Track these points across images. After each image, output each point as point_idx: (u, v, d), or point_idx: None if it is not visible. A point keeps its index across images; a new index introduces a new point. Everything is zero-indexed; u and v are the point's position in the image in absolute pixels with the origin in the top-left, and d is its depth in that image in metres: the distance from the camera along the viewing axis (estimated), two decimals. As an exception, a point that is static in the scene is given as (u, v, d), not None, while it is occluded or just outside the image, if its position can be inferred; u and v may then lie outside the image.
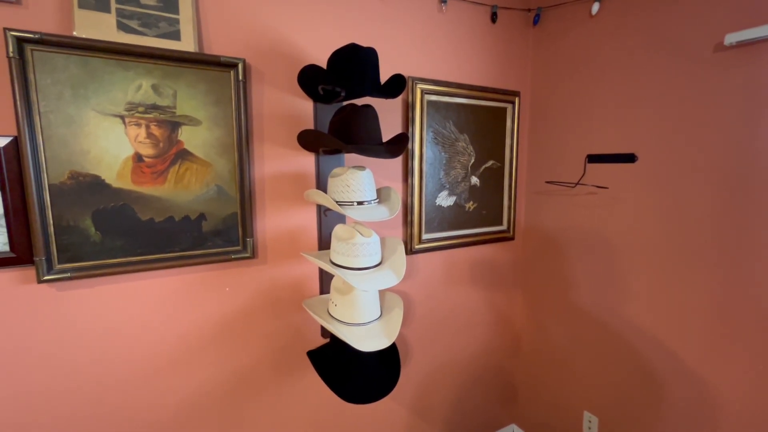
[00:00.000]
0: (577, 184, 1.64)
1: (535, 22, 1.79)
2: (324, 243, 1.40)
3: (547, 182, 1.80)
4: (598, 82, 1.57)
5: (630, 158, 1.46)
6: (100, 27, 1.00)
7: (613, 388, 1.63)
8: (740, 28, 1.16)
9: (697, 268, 1.32)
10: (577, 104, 1.66)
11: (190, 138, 1.14)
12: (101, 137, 1.04)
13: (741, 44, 1.16)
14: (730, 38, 1.15)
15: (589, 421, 1.73)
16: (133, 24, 1.04)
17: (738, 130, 1.19)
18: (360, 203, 1.17)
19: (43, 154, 0.98)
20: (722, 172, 1.24)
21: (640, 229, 1.47)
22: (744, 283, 1.22)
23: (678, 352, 1.40)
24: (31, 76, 0.95)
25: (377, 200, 1.24)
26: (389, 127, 1.50)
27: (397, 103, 1.51)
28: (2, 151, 0.95)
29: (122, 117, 1.05)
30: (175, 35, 1.09)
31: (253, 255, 1.27)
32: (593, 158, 1.58)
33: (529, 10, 1.79)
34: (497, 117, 1.77)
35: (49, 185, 1.00)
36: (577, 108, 1.66)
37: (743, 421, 1.25)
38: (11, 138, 0.96)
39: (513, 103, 1.80)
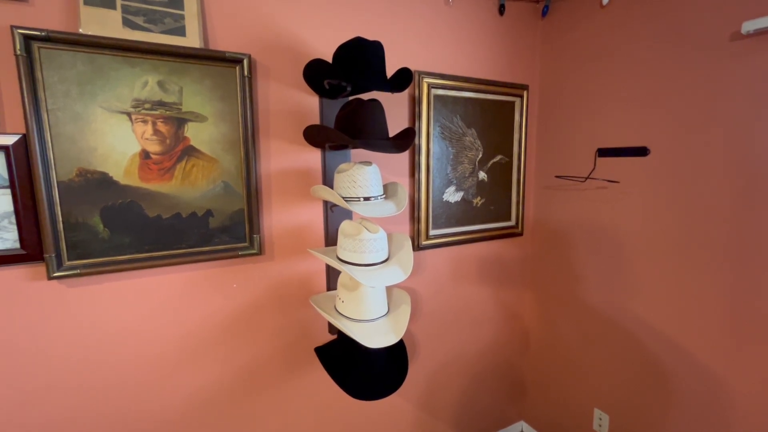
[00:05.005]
0: (587, 178, 1.62)
1: (544, 13, 1.76)
2: (331, 239, 1.39)
3: (557, 177, 1.77)
4: (608, 74, 1.54)
5: (642, 152, 1.42)
6: (106, 24, 1.00)
7: (624, 385, 1.60)
8: (758, 15, 1.12)
9: (710, 264, 1.29)
10: (586, 97, 1.63)
11: (196, 134, 1.14)
12: (108, 134, 1.04)
13: (759, 32, 1.12)
14: (748, 26, 1.12)
15: (600, 419, 1.71)
16: (139, 20, 1.04)
17: (755, 122, 1.16)
18: (366, 199, 1.16)
19: (51, 152, 0.99)
20: (738, 166, 1.20)
21: (653, 223, 1.44)
22: (758, 279, 1.18)
23: (690, 349, 1.37)
24: (38, 73, 0.96)
25: (384, 196, 1.23)
26: (396, 122, 1.48)
27: (403, 97, 1.49)
28: (11, 149, 0.96)
29: (129, 114, 1.06)
30: (181, 31, 1.09)
31: (260, 251, 1.27)
32: (604, 152, 1.55)
33: (537, 1, 1.76)
34: (505, 111, 1.75)
35: (58, 182, 1.00)
36: (586, 101, 1.63)
37: (756, 418, 1.22)
38: (20, 136, 0.96)
39: (521, 96, 1.77)
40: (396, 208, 1.18)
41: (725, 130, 1.22)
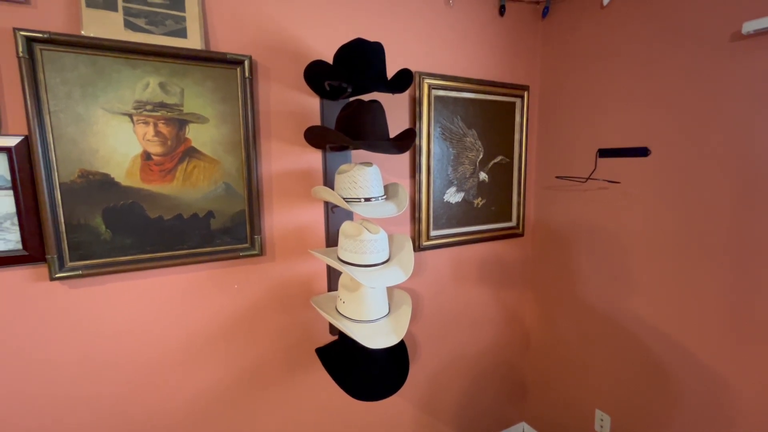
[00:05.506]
0: (588, 179, 1.62)
1: (544, 14, 1.76)
2: (332, 240, 1.39)
3: (558, 177, 1.77)
4: (609, 74, 1.54)
5: (643, 152, 1.43)
6: (108, 25, 1.01)
7: (626, 386, 1.60)
8: (758, 16, 1.12)
9: (711, 264, 1.29)
10: (587, 98, 1.63)
11: (197, 136, 1.14)
12: (110, 136, 1.04)
13: (760, 32, 1.12)
14: (748, 26, 1.12)
15: (601, 420, 1.71)
16: (140, 22, 1.04)
17: (756, 122, 1.16)
18: (367, 200, 1.16)
19: (53, 153, 0.99)
20: (738, 166, 1.20)
21: (654, 224, 1.44)
22: (758, 279, 1.18)
23: (691, 349, 1.37)
24: (40, 75, 0.96)
25: (385, 197, 1.23)
26: (396, 122, 1.49)
27: (404, 98, 1.50)
28: (14, 151, 0.96)
29: (130, 115, 1.06)
30: (182, 33, 1.09)
31: (261, 252, 1.27)
32: (604, 152, 1.55)
33: (537, 2, 1.76)
34: (506, 112, 1.75)
35: (60, 184, 1.01)
36: (587, 101, 1.63)
37: (757, 417, 1.22)
38: (22, 137, 0.97)
39: (522, 97, 1.77)
40: (397, 209, 1.18)
41: (726, 130, 1.22)
